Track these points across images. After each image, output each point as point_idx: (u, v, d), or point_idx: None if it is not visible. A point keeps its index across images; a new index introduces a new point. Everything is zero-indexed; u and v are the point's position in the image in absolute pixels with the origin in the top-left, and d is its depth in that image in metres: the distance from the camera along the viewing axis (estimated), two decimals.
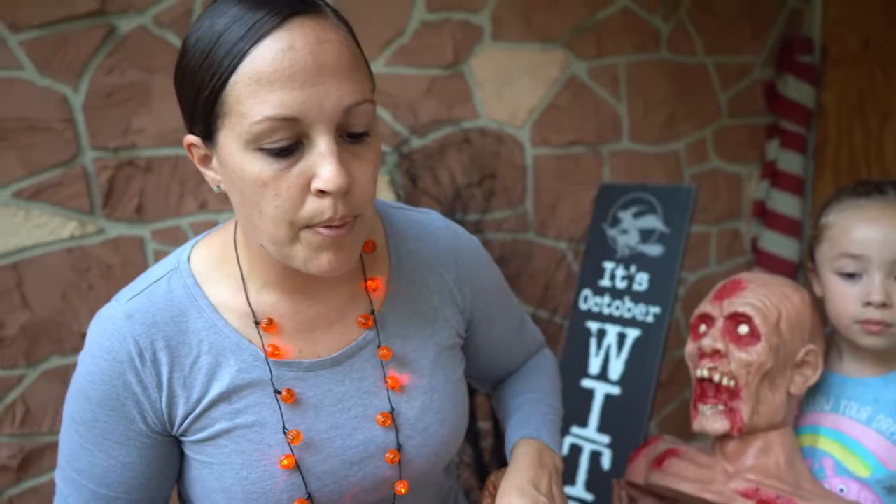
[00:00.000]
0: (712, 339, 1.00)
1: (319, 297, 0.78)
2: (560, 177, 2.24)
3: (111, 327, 0.73)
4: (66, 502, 0.77)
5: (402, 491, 0.80)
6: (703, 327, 1.05)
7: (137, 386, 0.72)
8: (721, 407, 0.99)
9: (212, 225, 1.77)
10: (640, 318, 1.74)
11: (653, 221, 1.78)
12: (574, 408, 1.82)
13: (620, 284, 1.81)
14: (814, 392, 1.07)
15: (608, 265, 1.85)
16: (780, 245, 2.56)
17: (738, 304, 1.00)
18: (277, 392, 0.74)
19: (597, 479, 1.73)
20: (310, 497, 0.75)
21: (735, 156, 2.58)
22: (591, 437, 1.78)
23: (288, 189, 0.65)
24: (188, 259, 0.77)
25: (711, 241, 2.59)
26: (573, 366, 1.85)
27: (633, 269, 1.79)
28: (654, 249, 1.77)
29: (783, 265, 2.56)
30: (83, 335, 1.67)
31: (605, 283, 1.84)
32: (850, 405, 1.03)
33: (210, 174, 0.71)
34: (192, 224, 1.77)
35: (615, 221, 1.86)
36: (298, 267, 0.69)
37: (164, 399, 0.73)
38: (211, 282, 0.76)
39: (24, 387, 1.64)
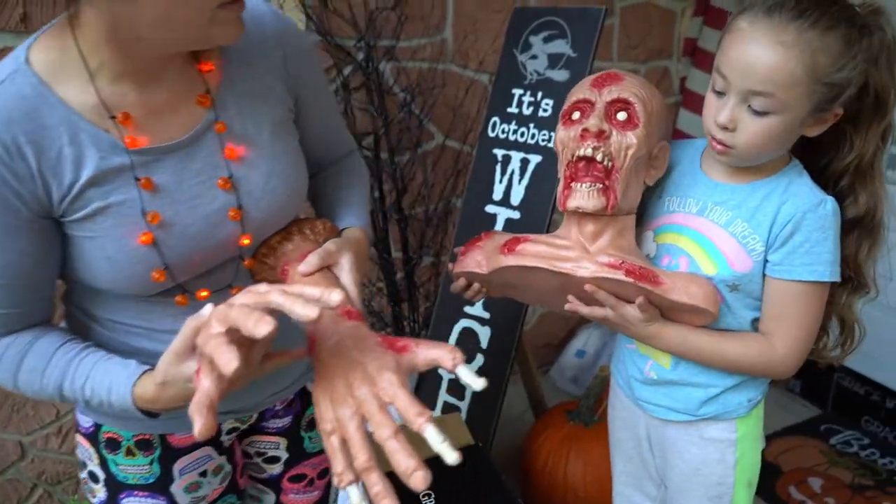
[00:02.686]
0: (598, 120, 1.01)
1: (165, 82, 0.84)
2: (483, 4, 2.16)
3: None
4: None
5: (246, 243, 0.92)
6: (576, 114, 1.06)
7: (13, 179, 0.77)
8: (599, 185, 1.01)
9: None
10: (542, 143, 1.75)
11: (562, 46, 1.75)
12: (476, 233, 1.87)
13: (527, 111, 1.80)
14: (685, 194, 1.10)
15: (517, 91, 1.83)
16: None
17: (620, 91, 1.02)
18: (137, 179, 0.83)
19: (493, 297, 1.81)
20: (166, 267, 0.86)
21: None
22: None
23: None
24: (27, 61, 0.79)
25: None
26: (479, 193, 1.88)
27: (539, 95, 1.78)
28: (560, 75, 1.75)
29: None
30: None
31: (513, 109, 1.83)
32: (715, 209, 1.07)
33: None
34: None
35: (526, 46, 1.83)
36: (214, 41, 0.80)
37: (39, 186, 0.79)
38: (58, 80, 0.79)
39: None
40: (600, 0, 2.35)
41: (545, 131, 1.75)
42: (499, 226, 1.83)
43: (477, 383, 0.71)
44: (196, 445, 1.04)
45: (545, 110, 1.76)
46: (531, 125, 1.78)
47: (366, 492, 0.68)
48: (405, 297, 2.20)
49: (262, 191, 0.91)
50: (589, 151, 1.01)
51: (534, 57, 1.81)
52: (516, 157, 1.81)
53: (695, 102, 2.57)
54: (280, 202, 0.94)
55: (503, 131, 1.84)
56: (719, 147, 1.01)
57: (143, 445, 1.01)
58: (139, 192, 0.83)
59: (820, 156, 1.07)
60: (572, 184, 1.03)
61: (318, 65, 1.04)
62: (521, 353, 2.08)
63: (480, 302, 1.87)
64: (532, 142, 1.77)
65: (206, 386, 0.68)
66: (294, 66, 0.95)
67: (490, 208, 1.84)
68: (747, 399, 1.15)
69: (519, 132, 1.81)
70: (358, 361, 0.74)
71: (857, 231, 1.05)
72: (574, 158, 1.03)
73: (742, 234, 1.04)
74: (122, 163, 0.82)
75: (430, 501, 1.63)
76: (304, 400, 1.17)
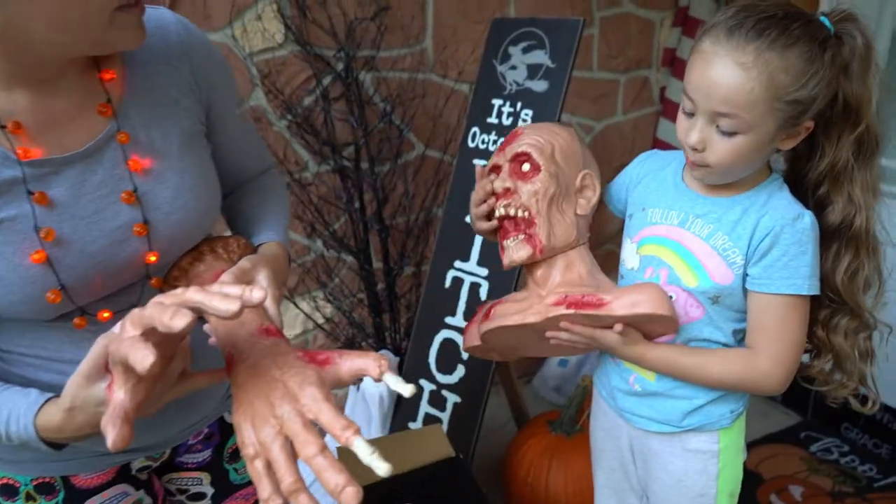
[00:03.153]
0: (502, 181, 1.09)
1: (62, 89, 0.79)
2: (463, 13, 2.16)
3: None
4: None
5: (153, 260, 0.87)
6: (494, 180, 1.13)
7: None
8: (521, 236, 1.08)
9: None
10: None
11: (541, 56, 1.76)
12: (457, 243, 1.87)
13: (507, 121, 1.80)
14: (668, 206, 1.11)
15: (496, 102, 1.83)
16: None
17: (517, 146, 1.10)
18: (31, 193, 0.77)
19: (475, 309, 1.80)
20: (63, 287, 0.80)
21: (648, 0, 2.52)
22: (471, 269, 1.83)
23: None
24: None
25: (619, 89, 2.57)
26: (458, 203, 1.88)
27: (519, 105, 1.78)
28: (539, 85, 1.75)
29: None
30: None
31: (493, 119, 1.83)
32: (697, 221, 1.07)
33: None
34: None
35: (505, 57, 1.83)
36: (114, 46, 0.76)
37: None
38: None
39: None
40: (579, 11, 2.36)
41: None
42: (479, 237, 1.82)
43: (406, 390, 0.68)
44: (107, 484, 0.98)
45: (525, 121, 1.76)
46: None
47: None
48: (386, 308, 2.19)
49: (171, 206, 0.87)
50: (503, 210, 1.09)
51: (513, 67, 1.81)
52: None
53: (674, 112, 2.57)
54: (190, 218, 0.89)
55: (483, 142, 1.84)
56: (693, 167, 1.03)
57: (45, 489, 0.94)
58: (32, 207, 0.77)
59: (800, 165, 1.07)
60: (503, 242, 1.11)
61: (228, 75, 0.99)
62: (503, 363, 2.07)
63: (461, 312, 1.87)
64: None
65: (119, 398, 0.64)
66: (202, 75, 0.92)
67: (469, 219, 1.84)
68: (730, 410, 1.15)
69: (499, 142, 1.80)
70: (278, 379, 0.69)
71: (835, 244, 1.05)
72: (499, 220, 1.11)
73: (723, 247, 1.04)
74: (14, 175, 0.76)
75: None
76: (223, 432, 1.11)
